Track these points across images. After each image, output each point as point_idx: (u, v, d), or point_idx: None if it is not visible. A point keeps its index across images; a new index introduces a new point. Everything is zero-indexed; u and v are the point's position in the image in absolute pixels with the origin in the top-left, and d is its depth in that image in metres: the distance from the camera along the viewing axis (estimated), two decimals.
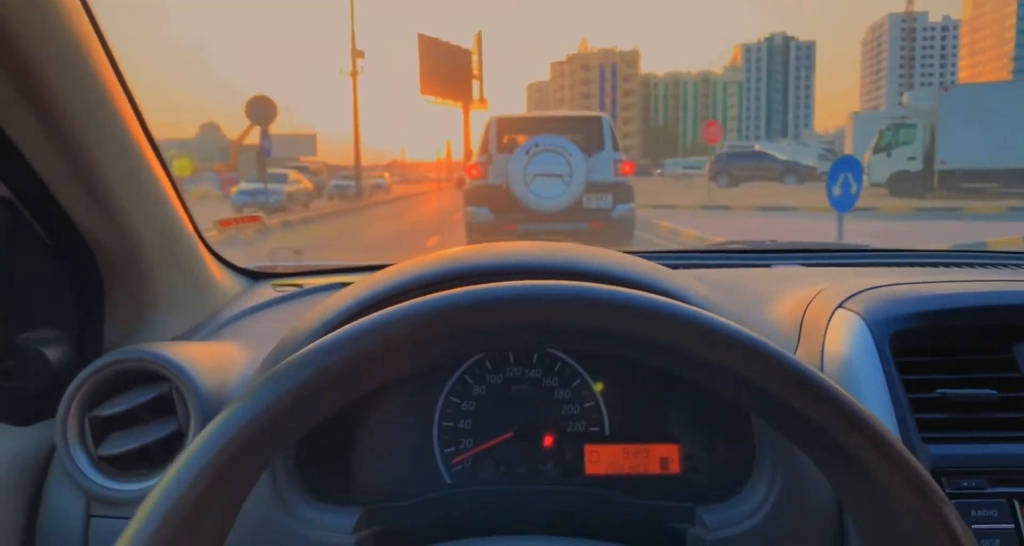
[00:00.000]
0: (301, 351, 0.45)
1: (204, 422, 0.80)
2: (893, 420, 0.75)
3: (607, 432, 0.83)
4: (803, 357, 0.85)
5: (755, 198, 19.34)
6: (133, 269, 0.94)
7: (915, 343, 0.81)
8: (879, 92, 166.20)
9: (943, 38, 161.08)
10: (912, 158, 19.40)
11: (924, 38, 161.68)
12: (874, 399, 0.76)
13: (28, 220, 0.85)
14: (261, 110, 13.50)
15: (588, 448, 0.82)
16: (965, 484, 0.72)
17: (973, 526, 0.70)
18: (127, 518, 0.40)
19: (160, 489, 0.40)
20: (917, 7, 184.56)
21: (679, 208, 17.44)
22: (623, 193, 7.78)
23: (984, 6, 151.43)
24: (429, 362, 0.47)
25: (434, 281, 0.74)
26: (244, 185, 18.79)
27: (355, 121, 24.45)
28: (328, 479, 0.79)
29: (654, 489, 0.80)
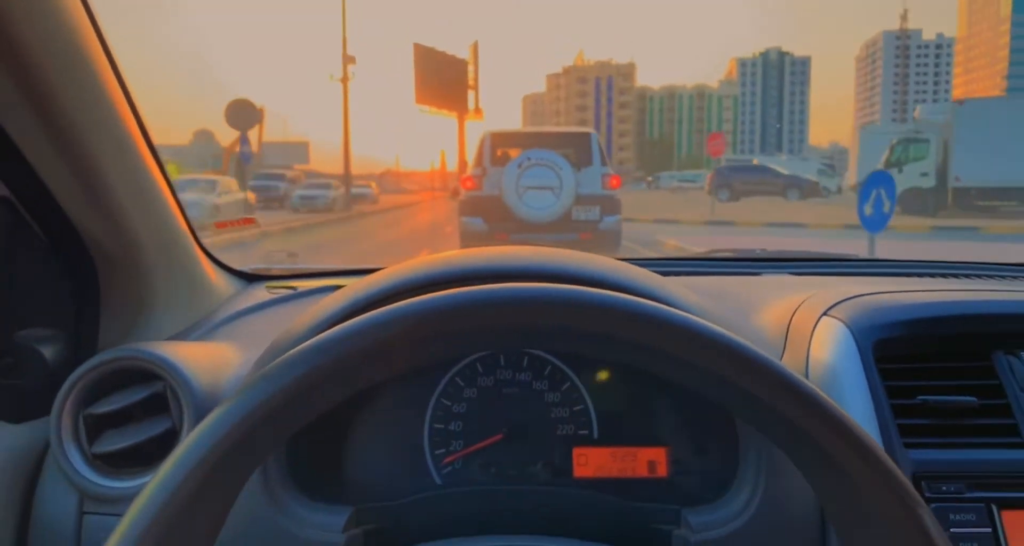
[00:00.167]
0: (293, 350, 0.46)
1: (198, 421, 0.79)
2: (875, 425, 0.76)
3: (596, 435, 0.83)
4: (788, 363, 0.85)
5: (760, 214, 18.51)
6: (129, 269, 0.95)
7: (898, 350, 0.83)
8: (873, 109, 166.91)
9: (937, 56, 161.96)
10: (925, 174, 18.35)
11: (918, 55, 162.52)
12: (857, 404, 0.77)
13: (26, 219, 0.85)
14: (242, 114, 12.66)
15: (577, 451, 0.83)
16: (944, 488, 0.74)
17: (952, 530, 0.71)
18: (120, 515, 0.40)
19: (152, 486, 0.41)
20: (911, 25, 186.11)
21: (682, 223, 16.72)
22: (610, 205, 8.15)
23: (978, 25, 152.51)
24: (420, 362, 0.47)
25: (426, 284, 0.74)
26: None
27: (345, 128, 23.88)
28: (319, 478, 0.80)
29: (641, 491, 0.81)
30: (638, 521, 0.75)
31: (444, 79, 35.15)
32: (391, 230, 17.74)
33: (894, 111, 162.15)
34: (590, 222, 8.02)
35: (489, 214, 8.02)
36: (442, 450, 0.84)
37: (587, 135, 8.80)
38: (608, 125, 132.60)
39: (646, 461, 0.82)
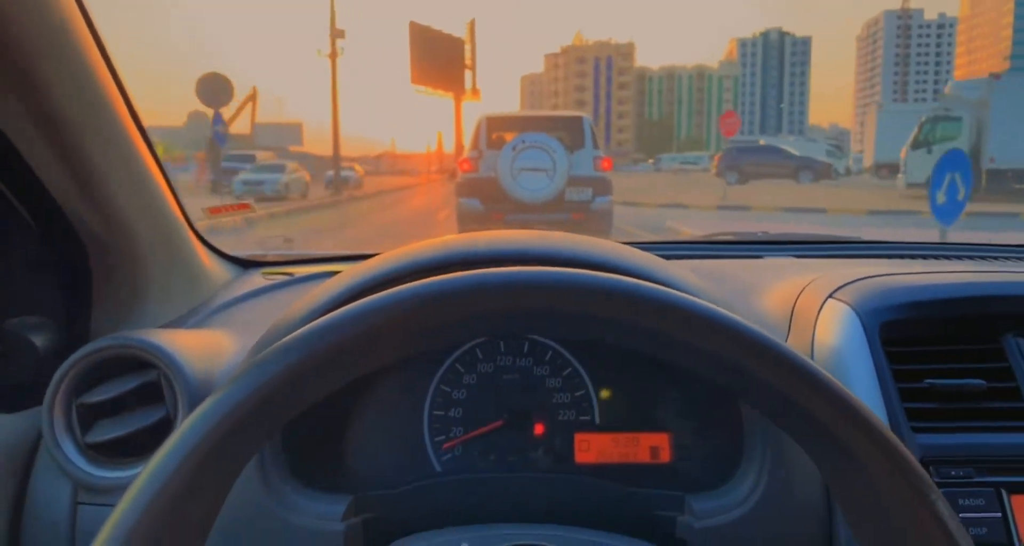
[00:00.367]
0: (289, 336, 0.45)
1: (192, 409, 0.79)
2: (882, 409, 0.75)
3: (597, 421, 0.83)
4: (793, 347, 0.81)
5: (773, 197, 17.41)
6: (122, 255, 0.94)
7: (905, 333, 0.82)
8: (874, 89, 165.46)
9: (939, 36, 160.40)
10: None
11: (920, 35, 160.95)
12: (863, 388, 0.76)
13: (15, 206, 0.84)
14: (214, 90, 11.52)
15: (578, 437, 0.82)
16: (953, 473, 0.73)
17: (961, 515, 0.70)
18: (114, 505, 0.39)
19: (145, 475, 0.40)
20: (913, 4, 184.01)
21: (692, 208, 15.75)
22: (602, 187, 8.40)
23: (982, 4, 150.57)
24: (419, 348, 0.47)
25: (424, 268, 0.73)
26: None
27: (333, 106, 22.59)
28: (318, 467, 0.79)
29: (644, 478, 0.80)
30: (641, 507, 0.74)
31: (441, 59, 34.54)
32: (376, 217, 15.79)
33: (895, 92, 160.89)
34: (582, 203, 8.26)
35: (485, 195, 8.22)
36: (442, 437, 0.83)
37: (579, 119, 9.02)
38: (607, 106, 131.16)
39: (648, 447, 0.82)
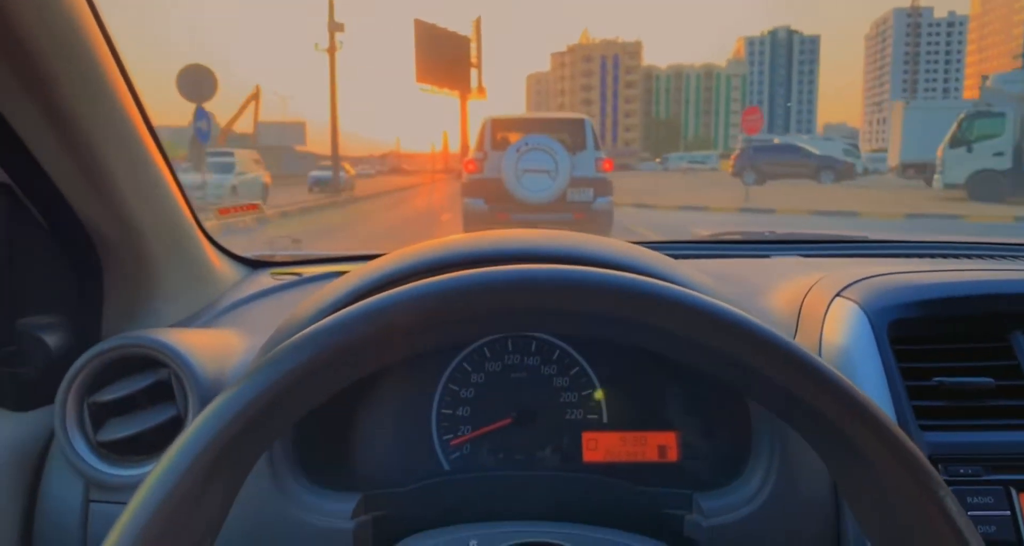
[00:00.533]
0: (299, 334, 0.45)
1: (202, 408, 0.79)
2: (890, 407, 0.75)
3: (605, 420, 0.83)
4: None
5: (797, 199, 16.42)
6: (132, 256, 0.94)
7: (913, 331, 0.81)
8: (883, 88, 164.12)
9: (948, 34, 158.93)
10: (999, 154, 15.75)
11: (929, 34, 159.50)
12: (872, 387, 0.76)
13: (27, 206, 0.85)
14: (196, 83, 10.47)
15: (586, 436, 0.82)
16: (962, 471, 0.73)
17: (969, 513, 0.70)
18: (125, 503, 0.40)
19: (156, 474, 0.40)
20: (923, 2, 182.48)
21: (711, 210, 14.76)
22: (603, 187, 8.57)
23: (993, 1, 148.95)
24: (427, 346, 0.47)
25: (432, 267, 0.73)
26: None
27: (332, 102, 21.66)
28: (327, 465, 0.79)
29: (652, 476, 0.80)
30: (649, 506, 0.74)
31: (446, 57, 34.22)
32: (362, 228, 13.98)
33: (904, 91, 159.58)
34: (584, 203, 8.42)
35: (490, 195, 8.37)
36: (450, 435, 0.83)
37: (581, 121, 9.17)
38: (614, 105, 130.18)
39: (656, 446, 0.82)
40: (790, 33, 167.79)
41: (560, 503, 0.76)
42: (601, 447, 0.82)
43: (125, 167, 0.85)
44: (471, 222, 8.66)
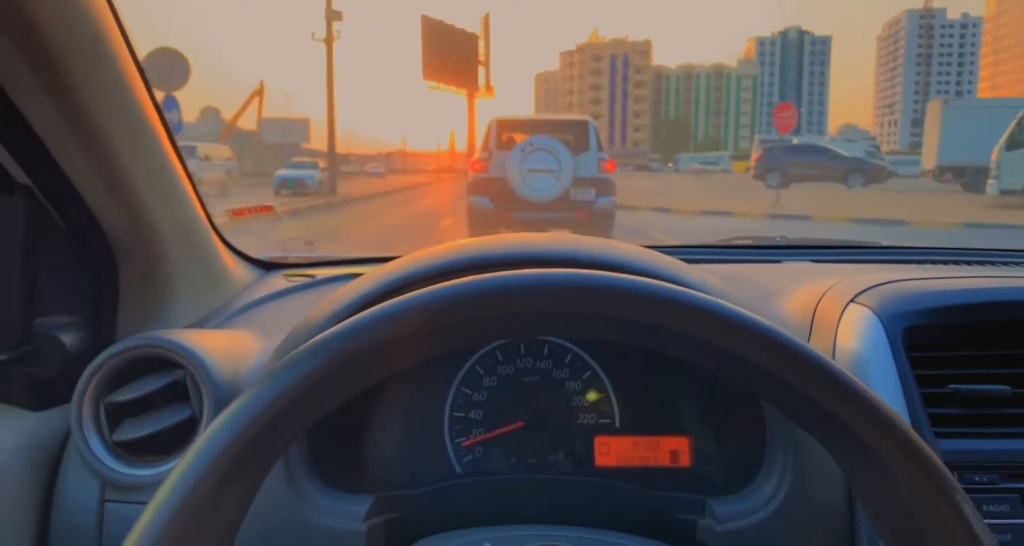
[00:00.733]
0: (315, 338, 0.45)
1: (218, 408, 0.80)
2: (905, 414, 0.75)
3: (617, 424, 0.83)
4: None
5: (831, 204, 15.06)
6: (148, 257, 0.95)
7: (928, 338, 0.81)
8: (895, 90, 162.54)
9: (962, 36, 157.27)
10: None
11: (942, 36, 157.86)
12: (886, 393, 0.76)
13: (45, 207, 0.85)
14: (166, 69, 9.23)
15: (598, 440, 0.82)
16: (977, 479, 0.73)
17: (985, 521, 0.69)
18: (142, 503, 0.40)
19: (177, 473, 0.41)
20: (936, 3, 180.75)
21: (738, 216, 13.58)
22: (605, 187, 8.71)
23: (1008, 2, 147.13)
24: (442, 350, 0.47)
25: (447, 271, 0.73)
26: None
27: (329, 95, 20.24)
28: (341, 467, 0.80)
29: (664, 481, 0.80)
30: (662, 510, 0.74)
31: (453, 54, 33.52)
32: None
33: (916, 93, 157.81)
34: (586, 202, 8.54)
35: (495, 194, 8.54)
36: (462, 439, 0.83)
37: (585, 122, 9.38)
38: (623, 105, 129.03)
39: (668, 451, 0.82)
40: (801, 34, 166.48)
41: (572, 507, 0.75)
42: (613, 451, 0.82)
43: (143, 169, 0.86)
44: (476, 219, 8.83)
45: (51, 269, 0.87)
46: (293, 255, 1.37)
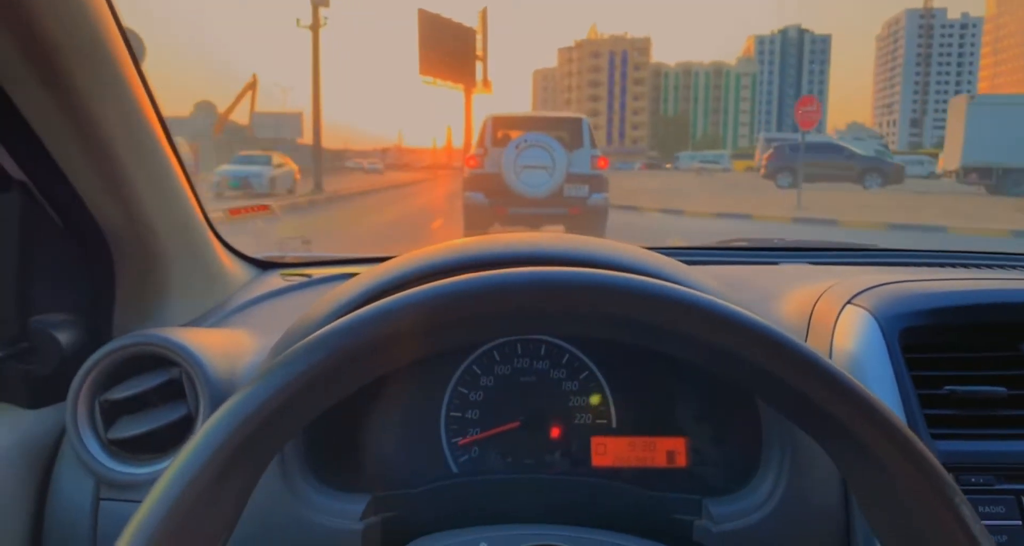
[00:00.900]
0: (311, 336, 0.45)
1: (214, 407, 0.80)
2: (902, 415, 0.75)
3: (614, 425, 0.83)
4: None
5: (851, 207, 13.95)
6: (144, 255, 0.94)
7: (924, 340, 0.81)
8: (894, 90, 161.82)
9: (962, 36, 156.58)
10: None
11: (942, 36, 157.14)
12: (883, 394, 0.76)
13: (42, 203, 0.85)
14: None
15: (595, 440, 0.82)
16: (973, 480, 0.73)
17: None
18: (136, 501, 0.40)
19: (172, 471, 0.40)
20: (936, 3, 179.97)
21: (758, 219, 12.87)
22: (598, 184, 8.84)
23: (1009, 2, 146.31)
24: (438, 348, 0.47)
25: (443, 270, 0.73)
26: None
27: (314, 85, 19.04)
28: (337, 466, 0.80)
29: (661, 482, 0.80)
30: (658, 511, 0.74)
31: (451, 48, 33.02)
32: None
33: (915, 93, 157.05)
34: (579, 198, 8.66)
35: (490, 190, 8.68)
36: (459, 438, 0.83)
37: (579, 120, 9.48)
38: (621, 102, 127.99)
39: (665, 451, 0.82)
40: (801, 32, 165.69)
41: (568, 507, 0.76)
42: (610, 452, 0.82)
43: (140, 167, 0.86)
44: (471, 214, 8.94)
45: (47, 266, 0.88)
46: (290, 254, 1.37)
